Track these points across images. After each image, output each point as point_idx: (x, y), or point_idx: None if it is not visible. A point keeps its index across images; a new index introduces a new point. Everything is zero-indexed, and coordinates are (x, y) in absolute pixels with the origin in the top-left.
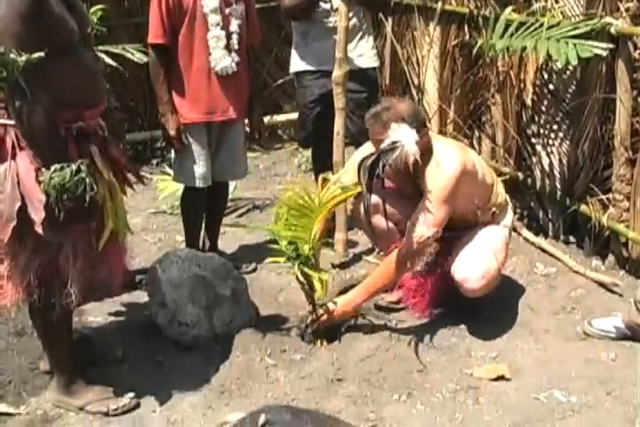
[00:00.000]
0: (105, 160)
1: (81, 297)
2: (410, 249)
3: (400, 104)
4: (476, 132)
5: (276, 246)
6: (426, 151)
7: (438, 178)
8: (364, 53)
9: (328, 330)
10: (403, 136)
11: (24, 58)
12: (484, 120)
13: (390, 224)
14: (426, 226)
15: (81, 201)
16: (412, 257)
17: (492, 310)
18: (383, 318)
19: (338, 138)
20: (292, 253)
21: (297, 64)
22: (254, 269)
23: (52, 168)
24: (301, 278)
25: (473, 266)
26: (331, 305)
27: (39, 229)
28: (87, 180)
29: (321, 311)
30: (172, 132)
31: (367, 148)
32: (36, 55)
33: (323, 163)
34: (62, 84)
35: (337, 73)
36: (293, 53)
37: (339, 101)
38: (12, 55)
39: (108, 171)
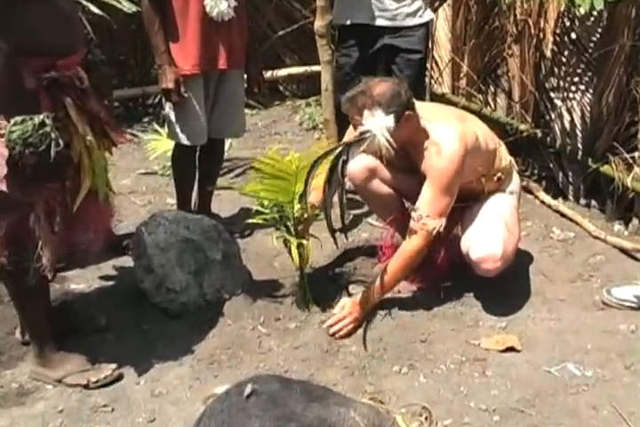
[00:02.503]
0: (81, 114)
1: (56, 261)
2: (419, 243)
3: (378, 87)
4: (491, 87)
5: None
6: (417, 135)
7: (441, 165)
8: (418, 8)
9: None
10: (374, 125)
11: None
12: (499, 73)
13: (386, 189)
14: (432, 217)
15: (46, 157)
16: (422, 249)
17: (502, 277)
18: None
19: (326, 94)
20: (275, 214)
21: (340, 16)
22: (250, 233)
23: (12, 121)
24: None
25: (490, 246)
26: (347, 309)
27: (3, 186)
28: (52, 134)
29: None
30: (171, 85)
31: None
32: None
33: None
34: (27, 30)
35: (319, 23)
36: (337, 3)
37: (324, 54)
38: None
39: (84, 125)
